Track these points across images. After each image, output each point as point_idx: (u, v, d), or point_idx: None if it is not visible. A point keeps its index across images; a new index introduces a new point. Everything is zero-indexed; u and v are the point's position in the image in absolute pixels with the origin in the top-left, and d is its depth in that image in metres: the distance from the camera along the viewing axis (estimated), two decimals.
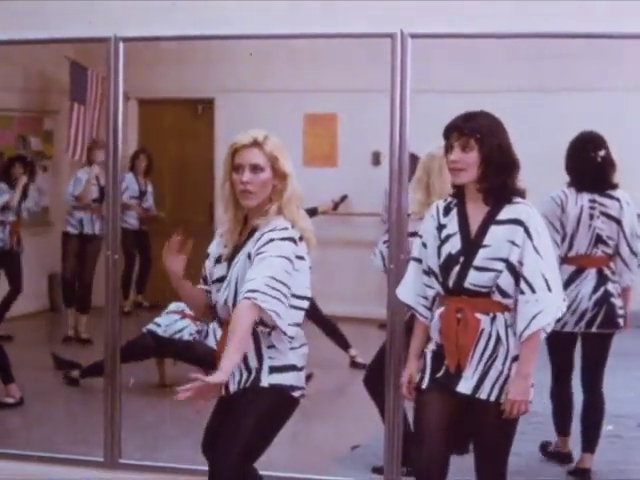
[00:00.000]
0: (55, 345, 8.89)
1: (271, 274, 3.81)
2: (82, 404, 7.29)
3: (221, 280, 4.05)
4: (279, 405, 4.03)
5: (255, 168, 3.94)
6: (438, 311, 4.03)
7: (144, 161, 10.27)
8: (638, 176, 7.20)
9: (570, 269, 5.48)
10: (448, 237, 3.98)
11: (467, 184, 3.98)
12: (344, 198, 9.55)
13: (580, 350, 5.62)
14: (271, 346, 3.97)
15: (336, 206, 9.30)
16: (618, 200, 5.50)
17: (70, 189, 9.14)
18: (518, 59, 7.99)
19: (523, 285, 3.85)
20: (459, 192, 4.04)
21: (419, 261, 4.11)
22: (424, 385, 4.03)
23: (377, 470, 5.50)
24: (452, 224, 4.00)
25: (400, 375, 5.08)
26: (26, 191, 8.90)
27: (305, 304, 3.98)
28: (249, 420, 3.93)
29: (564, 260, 5.47)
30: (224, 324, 4.02)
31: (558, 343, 5.45)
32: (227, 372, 3.75)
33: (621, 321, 5.53)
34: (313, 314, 8.19)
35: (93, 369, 7.23)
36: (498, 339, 3.90)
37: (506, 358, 3.91)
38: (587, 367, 5.60)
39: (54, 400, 7.54)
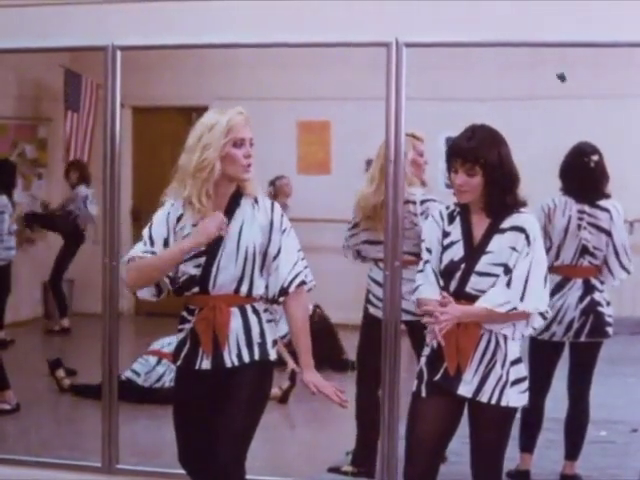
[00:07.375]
0: (50, 351, 8.89)
1: (298, 247, 4.08)
2: (78, 410, 7.29)
3: (200, 255, 3.98)
4: (272, 378, 4.18)
5: (251, 143, 4.03)
6: None
7: None
8: (630, 183, 7.25)
9: (556, 279, 5.40)
10: (451, 244, 4.06)
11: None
12: None
13: (568, 359, 5.60)
14: (270, 320, 4.12)
15: None
16: (608, 211, 5.43)
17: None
18: (512, 67, 8.03)
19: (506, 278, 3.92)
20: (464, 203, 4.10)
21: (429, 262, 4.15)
22: (423, 394, 4.07)
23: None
24: (455, 232, 4.07)
25: (395, 381, 5.13)
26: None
27: None
28: (257, 394, 4.04)
29: (551, 269, 5.47)
30: (209, 299, 4.00)
31: (543, 352, 5.47)
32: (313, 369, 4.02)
33: (610, 330, 5.49)
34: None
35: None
36: (497, 343, 3.98)
37: (504, 362, 3.98)
38: (575, 375, 5.60)
39: (50, 406, 7.57)
